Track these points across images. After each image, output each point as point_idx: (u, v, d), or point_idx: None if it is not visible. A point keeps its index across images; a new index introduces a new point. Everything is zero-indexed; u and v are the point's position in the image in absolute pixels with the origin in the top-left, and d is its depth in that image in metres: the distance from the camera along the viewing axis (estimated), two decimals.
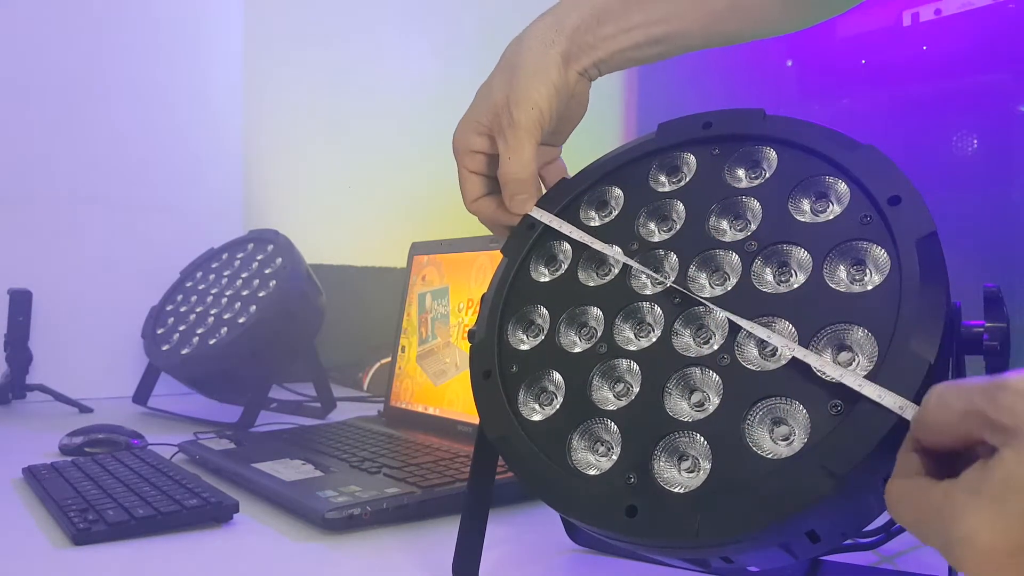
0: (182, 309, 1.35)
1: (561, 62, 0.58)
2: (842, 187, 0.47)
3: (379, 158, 1.86)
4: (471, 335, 0.56)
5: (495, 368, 0.53)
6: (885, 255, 0.44)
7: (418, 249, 1.22)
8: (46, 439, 1.04)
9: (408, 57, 1.94)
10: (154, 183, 1.54)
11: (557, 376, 0.51)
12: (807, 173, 0.49)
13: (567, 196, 0.59)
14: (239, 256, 1.37)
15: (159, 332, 1.33)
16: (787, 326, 0.44)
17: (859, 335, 0.42)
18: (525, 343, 0.54)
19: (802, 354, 0.42)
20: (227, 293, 1.30)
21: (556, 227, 0.57)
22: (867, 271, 0.44)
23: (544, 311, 0.54)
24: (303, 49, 1.79)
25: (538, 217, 0.58)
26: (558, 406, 0.50)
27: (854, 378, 0.40)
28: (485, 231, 0.65)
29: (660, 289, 0.50)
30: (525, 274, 0.57)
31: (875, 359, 0.41)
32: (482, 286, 0.62)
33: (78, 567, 0.63)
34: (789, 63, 1.37)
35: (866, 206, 0.46)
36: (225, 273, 1.35)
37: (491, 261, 0.63)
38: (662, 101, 1.73)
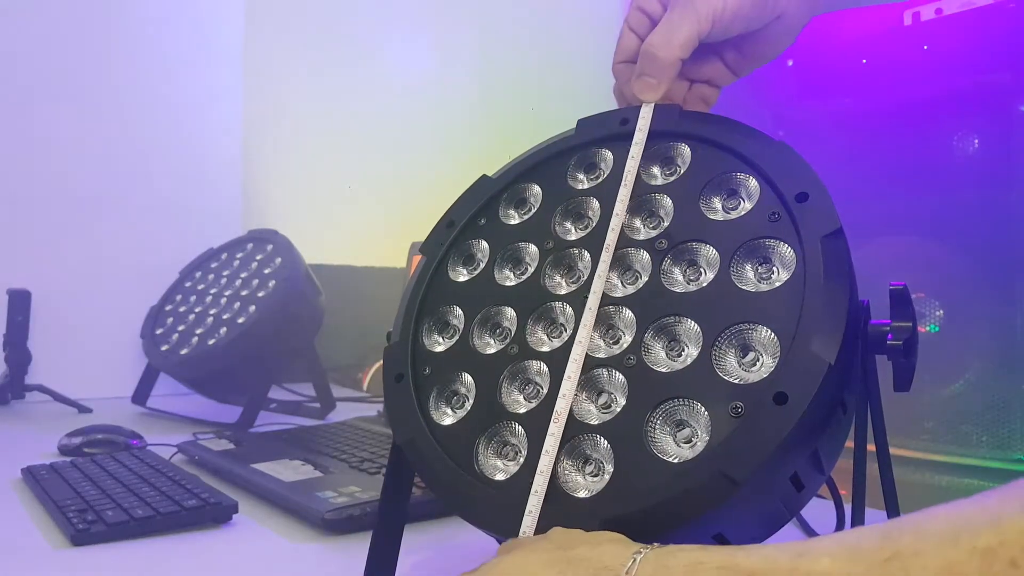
0: (181, 309, 1.35)
1: None
2: (752, 184, 0.46)
3: (379, 158, 1.86)
4: (388, 337, 0.54)
5: (407, 371, 0.51)
6: (791, 253, 0.43)
7: (418, 249, 1.22)
8: (45, 439, 1.04)
9: (408, 57, 1.94)
10: (154, 183, 1.54)
11: (468, 378, 0.49)
12: (719, 170, 0.48)
13: (487, 193, 0.57)
14: (238, 256, 1.37)
15: (158, 332, 1.33)
16: (692, 326, 0.43)
17: (763, 335, 0.41)
18: (440, 344, 0.52)
19: None
20: (226, 293, 1.30)
21: (638, 142, 0.51)
22: (774, 269, 0.43)
23: (459, 312, 0.53)
24: (303, 49, 1.79)
25: (643, 113, 0.53)
26: (469, 409, 0.48)
27: None
28: None
29: (573, 290, 0.49)
30: (443, 274, 0.55)
31: (778, 359, 0.40)
32: None
33: (77, 568, 0.63)
34: (789, 63, 1.37)
35: (775, 203, 0.45)
36: (224, 273, 1.35)
37: None
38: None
